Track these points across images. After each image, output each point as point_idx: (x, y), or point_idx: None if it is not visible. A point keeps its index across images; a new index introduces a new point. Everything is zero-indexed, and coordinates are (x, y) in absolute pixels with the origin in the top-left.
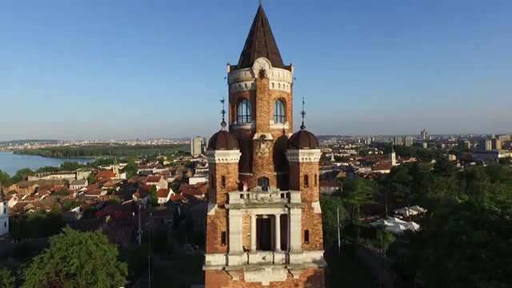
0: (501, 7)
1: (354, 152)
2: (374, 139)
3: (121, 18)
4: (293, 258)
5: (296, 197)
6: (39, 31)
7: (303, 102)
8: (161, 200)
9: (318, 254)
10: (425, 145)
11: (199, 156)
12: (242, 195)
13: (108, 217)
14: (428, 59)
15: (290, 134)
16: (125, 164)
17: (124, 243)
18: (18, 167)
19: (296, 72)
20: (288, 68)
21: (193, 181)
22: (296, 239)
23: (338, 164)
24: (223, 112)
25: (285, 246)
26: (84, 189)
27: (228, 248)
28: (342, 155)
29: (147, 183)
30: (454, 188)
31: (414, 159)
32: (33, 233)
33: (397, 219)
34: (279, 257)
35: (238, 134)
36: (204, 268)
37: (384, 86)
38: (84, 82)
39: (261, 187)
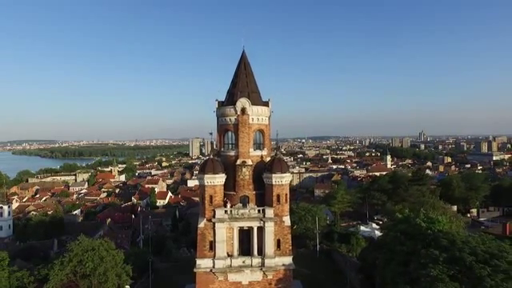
0: (498, 8)
1: (351, 153)
2: (372, 140)
3: (119, 17)
4: (267, 261)
5: (270, 212)
6: (38, 31)
7: (277, 134)
8: (160, 202)
9: (288, 259)
10: (422, 146)
11: (198, 157)
12: (226, 211)
13: (109, 219)
14: (428, 60)
15: (268, 159)
16: (124, 165)
17: (125, 246)
18: (18, 168)
19: (294, 74)
20: (266, 104)
21: (191, 183)
22: (270, 247)
23: (334, 166)
24: (212, 143)
25: (261, 252)
26: (84, 191)
27: (214, 254)
28: (339, 157)
29: (146, 185)
30: (428, 196)
31: (410, 161)
32: (36, 235)
33: (374, 225)
34: (256, 261)
35: (224, 159)
36: (195, 270)
37: (384, 87)
38: (83, 81)
39: (242, 204)
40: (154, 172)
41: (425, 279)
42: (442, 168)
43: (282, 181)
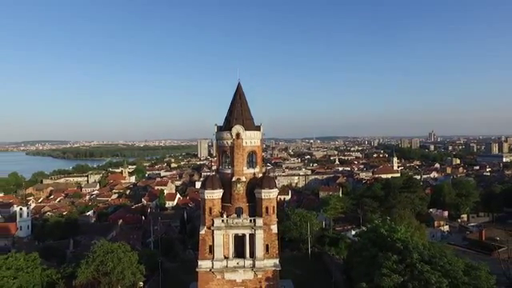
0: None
1: (359, 155)
2: (381, 141)
3: (128, 19)
4: (257, 263)
5: (259, 222)
6: (48, 32)
7: (265, 154)
8: (168, 204)
9: (275, 261)
10: (431, 147)
11: (206, 158)
12: (223, 220)
13: (120, 220)
14: (440, 59)
15: (260, 175)
16: (134, 166)
17: (137, 246)
18: (32, 169)
19: (303, 74)
20: (258, 128)
21: (199, 185)
22: (260, 250)
23: (340, 168)
24: (211, 162)
25: (252, 255)
26: (96, 192)
27: (213, 256)
28: (346, 158)
29: (156, 187)
30: (417, 203)
31: (418, 162)
32: (53, 235)
33: (364, 229)
34: (248, 262)
35: (222, 175)
36: (197, 269)
37: (393, 87)
38: (92, 82)
39: (236, 214)
40: (163, 173)
41: (377, 276)
42: (449, 170)
43: (270, 195)
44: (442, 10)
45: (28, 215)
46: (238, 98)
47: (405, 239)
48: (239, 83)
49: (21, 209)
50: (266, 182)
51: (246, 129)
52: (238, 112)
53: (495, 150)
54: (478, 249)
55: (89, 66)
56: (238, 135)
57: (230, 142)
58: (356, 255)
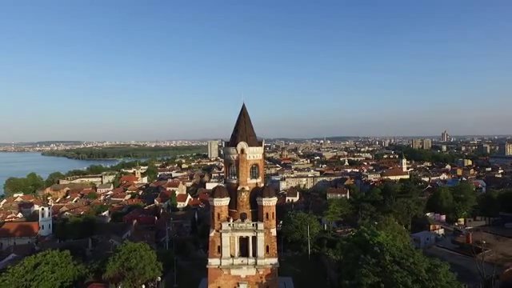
0: None
1: (369, 155)
2: (392, 141)
3: (139, 21)
4: (259, 261)
5: (261, 226)
6: (60, 35)
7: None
8: (180, 204)
9: (274, 260)
10: (444, 147)
11: (216, 159)
12: (229, 224)
13: (135, 221)
14: (452, 58)
15: (262, 185)
16: (146, 167)
17: (153, 246)
18: (49, 169)
19: (314, 74)
20: (260, 144)
21: (209, 186)
22: (261, 251)
23: (349, 170)
24: (219, 174)
25: (254, 254)
26: (110, 192)
27: (221, 255)
28: (356, 159)
29: (167, 188)
30: (413, 208)
31: (428, 164)
32: (73, 234)
33: None
34: (251, 261)
35: (228, 185)
36: (207, 266)
37: (405, 87)
38: (104, 84)
39: (241, 219)
40: (174, 174)
41: (358, 276)
42: (460, 172)
43: (270, 203)
44: (457, 11)
45: (49, 215)
46: (243, 117)
47: (382, 242)
48: (243, 105)
49: (43, 209)
50: (266, 191)
51: (250, 145)
52: (243, 130)
53: (509, 150)
54: (465, 251)
55: (101, 68)
56: (242, 151)
57: (235, 156)
58: (344, 256)
